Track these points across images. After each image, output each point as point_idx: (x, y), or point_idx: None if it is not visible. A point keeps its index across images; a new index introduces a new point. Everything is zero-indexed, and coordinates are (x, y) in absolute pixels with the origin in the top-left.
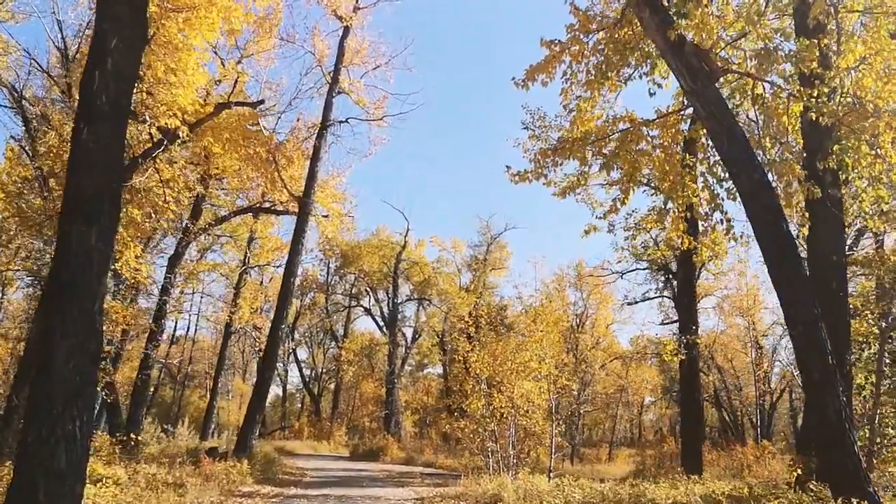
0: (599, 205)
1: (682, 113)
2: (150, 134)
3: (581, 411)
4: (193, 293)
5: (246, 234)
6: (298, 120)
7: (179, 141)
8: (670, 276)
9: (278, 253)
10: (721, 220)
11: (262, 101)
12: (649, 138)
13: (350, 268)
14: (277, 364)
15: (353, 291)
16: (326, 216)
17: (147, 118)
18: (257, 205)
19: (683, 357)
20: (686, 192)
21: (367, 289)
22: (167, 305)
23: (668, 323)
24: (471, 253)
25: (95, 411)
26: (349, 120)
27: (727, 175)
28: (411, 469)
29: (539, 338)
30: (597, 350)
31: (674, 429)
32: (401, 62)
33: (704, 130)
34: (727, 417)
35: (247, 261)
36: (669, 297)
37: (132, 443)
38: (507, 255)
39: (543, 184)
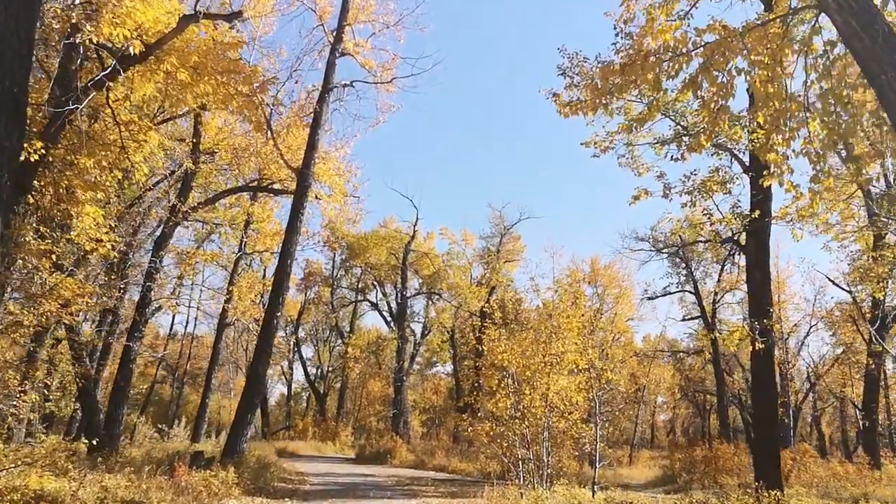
0: (646, 168)
1: (788, 18)
2: (97, 55)
3: (617, 412)
4: (192, 286)
5: (242, 217)
6: (297, 82)
7: (133, 61)
8: (735, 252)
9: (278, 238)
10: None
11: (239, 13)
12: (745, 53)
13: (356, 260)
14: (282, 362)
15: (359, 286)
16: (330, 197)
17: (87, 33)
18: (253, 183)
19: (762, 345)
20: (791, 126)
21: (375, 282)
22: (152, 293)
23: (689, 319)
24: (483, 245)
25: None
26: (354, 83)
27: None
28: (422, 474)
29: (575, 326)
30: (616, 346)
31: (687, 430)
32: (412, 22)
33: (824, 38)
34: (749, 419)
35: (243, 247)
36: (691, 292)
37: (107, 447)
38: (521, 247)
39: (602, 115)
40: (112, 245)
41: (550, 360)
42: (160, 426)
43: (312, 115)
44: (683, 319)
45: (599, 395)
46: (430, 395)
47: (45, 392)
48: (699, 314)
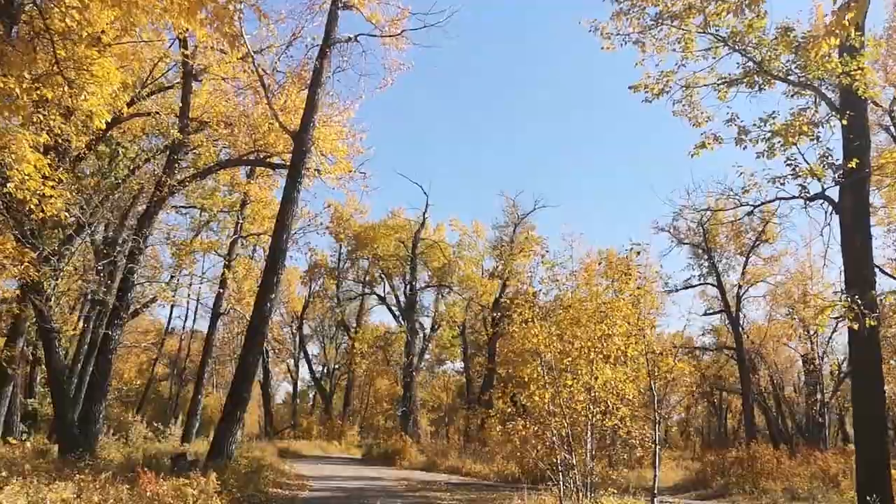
0: (706, 117)
1: None
2: None
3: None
4: (192, 277)
5: (238, 197)
6: (295, 37)
7: None
8: (831, 210)
9: None
10: None
11: None
12: None
13: (363, 251)
14: (287, 360)
15: (366, 278)
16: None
17: None
18: (248, 155)
19: (874, 323)
20: None
21: (382, 275)
22: (135, 275)
23: (712, 313)
24: (496, 235)
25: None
26: (359, 38)
27: None
28: (434, 477)
29: (624, 306)
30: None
31: (700, 430)
32: None
33: None
34: (778, 419)
35: (239, 229)
36: (713, 285)
37: (81, 448)
38: (535, 238)
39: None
40: (67, 206)
41: (594, 346)
42: (156, 425)
43: (312, 72)
44: (705, 314)
45: (657, 387)
46: (440, 393)
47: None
48: (721, 308)
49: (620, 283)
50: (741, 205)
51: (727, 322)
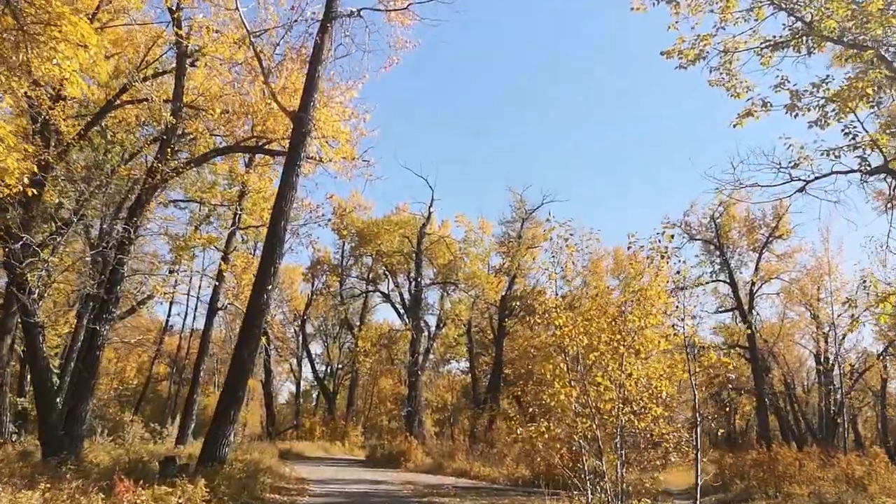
0: (746, 88)
1: None
2: None
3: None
4: (191, 277)
5: (236, 188)
6: (295, 20)
7: None
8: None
9: None
10: None
11: None
12: None
13: (366, 247)
14: (291, 360)
15: (369, 275)
16: (335, 151)
17: None
18: (245, 141)
19: None
20: None
21: (386, 272)
22: (125, 268)
23: (724, 311)
24: (503, 231)
25: None
26: (362, 12)
27: None
28: (441, 480)
29: (657, 293)
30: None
31: (708, 432)
32: None
33: None
34: (791, 419)
35: (237, 220)
36: (726, 282)
37: (66, 450)
38: (542, 237)
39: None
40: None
41: (624, 339)
42: (153, 425)
43: (312, 49)
44: (717, 312)
45: (700, 385)
46: (444, 394)
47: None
48: (734, 306)
49: (653, 269)
50: (792, 180)
51: (738, 320)
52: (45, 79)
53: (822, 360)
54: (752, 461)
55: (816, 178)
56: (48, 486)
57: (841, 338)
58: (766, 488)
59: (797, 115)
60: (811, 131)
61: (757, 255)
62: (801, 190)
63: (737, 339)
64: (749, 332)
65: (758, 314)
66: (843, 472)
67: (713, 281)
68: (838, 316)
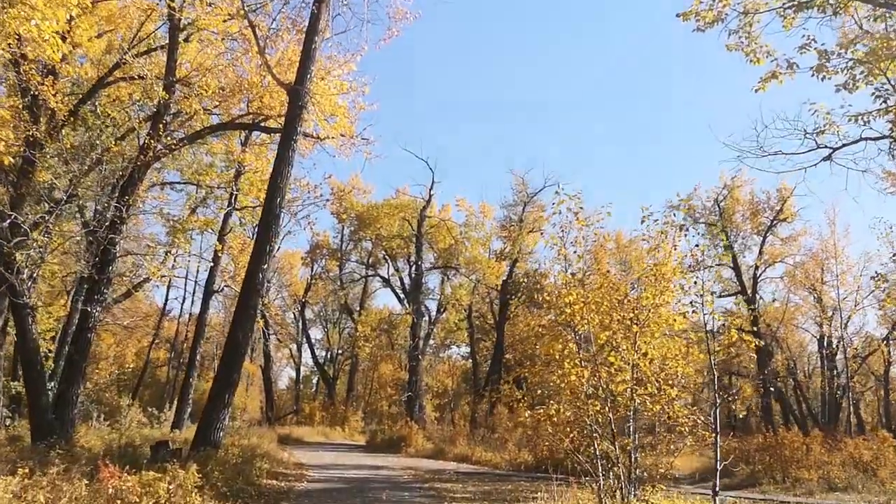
0: (767, 53)
1: None
2: None
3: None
4: (189, 261)
5: (232, 167)
6: None
7: None
8: None
9: None
10: None
11: None
12: None
13: (366, 231)
14: (290, 345)
15: (369, 260)
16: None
17: None
18: (241, 118)
19: None
20: None
21: (386, 257)
22: (117, 247)
23: (726, 295)
24: (504, 214)
25: None
26: None
27: None
28: (442, 466)
29: (672, 269)
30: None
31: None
32: None
33: None
34: (793, 404)
35: (233, 201)
36: (729, 265)
37: (56, 434)
38: (543, 221)
39: None
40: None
41: (637, 317)
42: (151, 410)
43: (308, 19)
44: (720, 296)
45: (719, 365)
46: (444, 379)
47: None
48: (737, 290)
49: (668, 244)
50: (818, 147)
51: (740, 305)
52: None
53: (825, 343)
54: (757, 445)
55: (844, 144)
56: (27, 471)
57: (846, 320)
58: (773, 473)
59: (824, 77)
60: (837, 97)
61: (761, 238)
62: (828, 158)
63: (739, 324)
64: (753, 316)
65: (761, 298)
66: (851, 457)
67: (716, 265)
68: (843, 299)
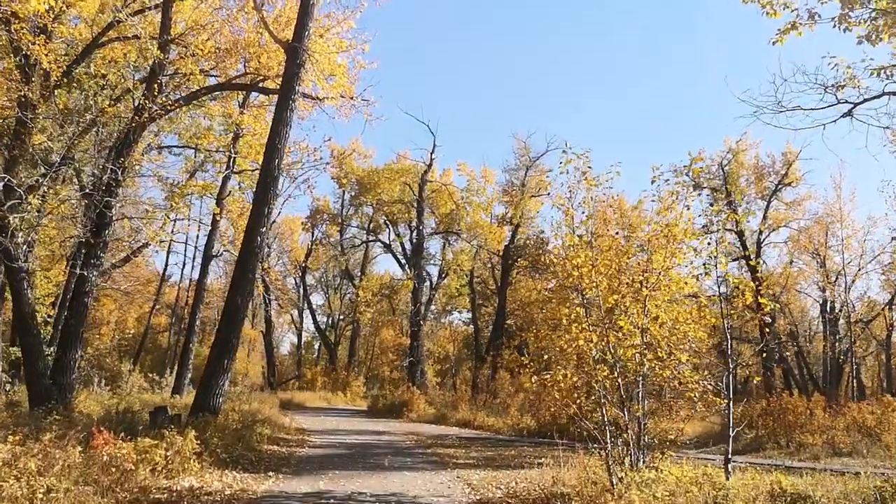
0: (784, 5)
1: None
2: None
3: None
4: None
5: (230, 129)
6: None
7: None
8: None
9: None
10: None
11: None
12: None
13: (367, 196)
14: (292, 311)
15: (370, 225)
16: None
17: None
18: (238, 79)
19: None
20: None
21: (387, 222)
22: (112, 210)
23: (730, 260)
24: (506, 178)
25: None
26: None
27: None
28: (444, 431)
29: (682, 230)
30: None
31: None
32: None
33: None
34: (796, 369)
35: (231, 164)
36: (732, 230)
37: (54, 399)
38: (546, 186)
39: None
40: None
41: (647, 280)
42: (152, 376)
43: None
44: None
45: (732, 329)
46: (445, 344)
47: None
48: (741, 255)
49: (679, 204)
50: (838, 102)
51: (744, 270)
52: None
53: (828, 308)
54: (761, 410)
55: (865, 99)
56: (19, 438)
57: (849, 285)
58: (777, 438)
59: (846, 28)
60: (858, 50)
61: (765, 203)
62: (848, 114)
63: (741, 290)
64: (756, 282)
65: (764, 263)
66: (854, 421)
67: (720, 230)
68: (847, 263)
